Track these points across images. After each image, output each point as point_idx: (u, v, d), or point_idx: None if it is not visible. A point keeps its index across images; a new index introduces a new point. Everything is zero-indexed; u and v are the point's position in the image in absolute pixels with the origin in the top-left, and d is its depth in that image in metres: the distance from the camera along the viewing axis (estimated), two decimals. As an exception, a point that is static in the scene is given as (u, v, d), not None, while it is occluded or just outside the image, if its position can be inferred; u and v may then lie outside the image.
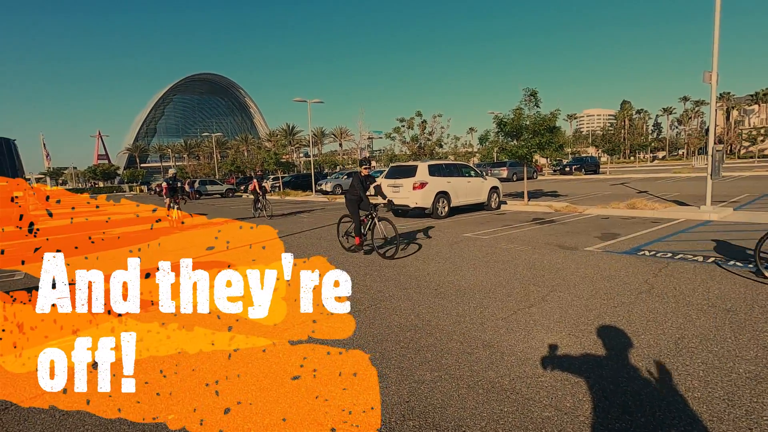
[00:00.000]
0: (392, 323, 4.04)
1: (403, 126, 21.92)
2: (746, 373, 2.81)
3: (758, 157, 49.97)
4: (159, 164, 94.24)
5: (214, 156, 51.16)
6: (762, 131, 53.29)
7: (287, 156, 58.17)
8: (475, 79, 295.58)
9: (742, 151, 57.48)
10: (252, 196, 15.39)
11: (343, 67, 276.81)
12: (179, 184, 12.65)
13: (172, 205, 12.43)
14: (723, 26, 10.67)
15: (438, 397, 2.68)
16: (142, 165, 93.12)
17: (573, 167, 40.03)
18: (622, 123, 76.86)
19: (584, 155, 54.31)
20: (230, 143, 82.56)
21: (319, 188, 27.91)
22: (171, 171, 13.30)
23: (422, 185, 12.02)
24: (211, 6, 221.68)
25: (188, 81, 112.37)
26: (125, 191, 66.13)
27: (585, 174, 38.29)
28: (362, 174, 7.56)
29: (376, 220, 7.42)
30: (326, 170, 55.81)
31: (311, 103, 26.68)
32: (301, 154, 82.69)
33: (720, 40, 10.73)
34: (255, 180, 15.10)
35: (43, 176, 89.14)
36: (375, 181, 7.81)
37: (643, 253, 6.63)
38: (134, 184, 72.15)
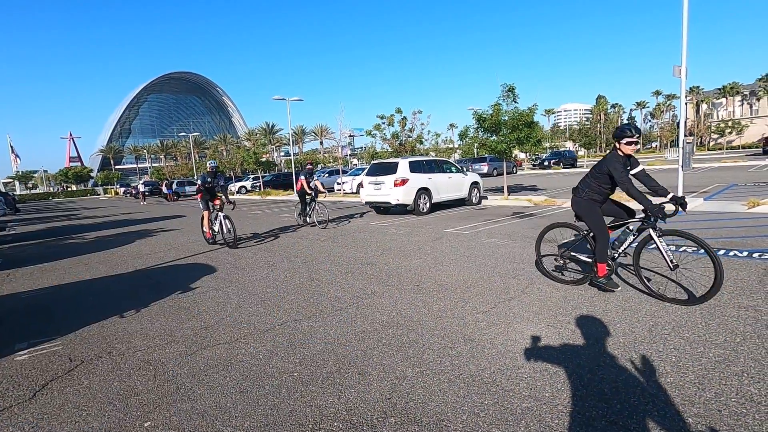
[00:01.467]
0: (374, 320, 4.03)
1: (384, 123, 21.89)
2: (715, 357, 2.91)
3: (726, 149, 51.84)
4: (135, 166, 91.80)
5: (192, 156, 50.10)
6: (729, 124, 55.31)
7: (267, 155, 57.46)
8: (454, 76, 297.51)
9: (711, 143, 59.60)
10: (299, 199, 11.66)
11: (323, 65, 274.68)
12: (218, 183, 9.11)
13: (213, 210, 9.10)
14: (691, 22, 11.00)
15: (419, 393, 2.69)
16: (116, 167, 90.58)
17: (551, 161, 40.75)
18: (598, 117, 78.54)
19: (562, 149, 55.33)
20: (208, 143, 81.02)
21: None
22: (209, 163, 9.28)
23: (403, 182, 12.04)
24: (185, 3, 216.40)
25: (163, 80, 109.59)
26: (99, 194, 64.27)
27: (563, 168, 39.01)
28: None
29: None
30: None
31: (290, 101, 26.38)
32: (282, 153, 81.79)
33: (688, 36, 11.05)
34: (302, 177, 11.36)
35: (11, 179, 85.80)
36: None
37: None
38: (109, 186, 70.15)
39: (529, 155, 44.34)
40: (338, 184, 24.21)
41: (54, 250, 10.00)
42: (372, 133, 22.27)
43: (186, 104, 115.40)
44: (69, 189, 71.57)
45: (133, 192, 42.42)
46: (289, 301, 4.81)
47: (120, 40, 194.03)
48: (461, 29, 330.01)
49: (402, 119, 21.88)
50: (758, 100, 71.93)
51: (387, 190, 12.27)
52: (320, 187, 11.54)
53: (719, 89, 76.68)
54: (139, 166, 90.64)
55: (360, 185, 13.49)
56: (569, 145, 62.57)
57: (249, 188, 33.67)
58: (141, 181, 39.39)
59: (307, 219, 11.58)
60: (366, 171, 13.71)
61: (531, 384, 2.72)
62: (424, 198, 12.47)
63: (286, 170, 50.25)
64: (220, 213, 8.81)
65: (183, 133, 57.96)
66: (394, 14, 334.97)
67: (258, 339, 3.75)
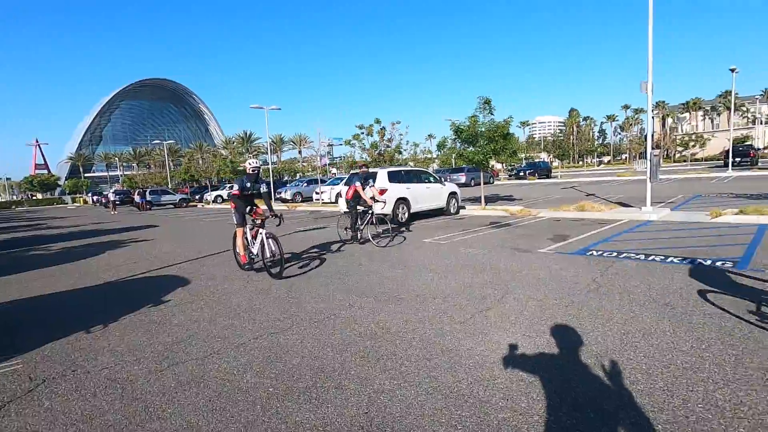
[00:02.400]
0: (353, 332, 3.99)
1: (363, 133, 22.00)
2: (683, 364, 3.00)
3: (690, 161, 54.23)
4: (105, 174, 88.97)
5: (167, 165, 48.95)
6: (693, 137, 58.03)
7: (244, 164, 56.53)
8: (433, 86, 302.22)
9: (677, 155, 62.23)
10: (347, 211, 9.55)
11: (302, 74, 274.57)
12: (260, 189, 6.85)
13: (253, 226, 6.83)
14: (657, 40, 11.54)
15: (397, 406, 2.67)
16: (86, 175, 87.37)
17: (527, 172, 41.72)
18: (571, 129, 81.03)
19: (537, 160, 56.74)
20: (184, 151, 79.33)
21: (278, 196, 27.37)
22: (250, 163, 6.88)
23: (382, 191, 12.05)
24: (160, 9, 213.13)
25: (137, 86, 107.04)
26: (67, 203, 61.86)
27: (538, 178, 39.98)
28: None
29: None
30: (286, 178, 54.83)
31: (268, 109, 26.21)
32: (260, 162, 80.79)
33: (654, 54, 11.59)
34: (357, 183, 9.04)
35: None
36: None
37: (591, 253, 6.97)
38: (78, 195, 67.63)
39: (506, 166, 45.26)
40: (317, 193, 24.08)
41: (16, 262, 9.53)
42: (351, 142, 22.36)
43: (161, 111, 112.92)
44: (34, 197, 68.62)
45: (104, 201, 41.01)
46: (265, 314, 4.71)
47: (91, 45, 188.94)
48: (439, 41, 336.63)
49: (381, 129, 22.07)
50: (719, 115, 75.72)
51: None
52: (378, 196, 9.49)
53: (683, 104, 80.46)
54: (110, 174, 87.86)
55: (338, 195, 13.44)
56: (544, 156, 64.24)
57: (225, 197, 33.06)
58: (112, 190, 38.13)
59: (359, 234, 9.19)
60: (345, 181, 13.70)
61: (507, 395, 2.74)
62: (403, 208, 12.52)
63: (264, 179, 49.55)
64: (261, 230, 6.59)
65: (157, 141, 56.61)
66: (372, 25, 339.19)
67: (232, 354, 3.65)
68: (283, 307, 4.93)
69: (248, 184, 6.78)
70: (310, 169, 64.52)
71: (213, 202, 32.38)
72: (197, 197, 37.65)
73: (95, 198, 51.82)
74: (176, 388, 3.08)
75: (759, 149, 46.06)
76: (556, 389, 2.76)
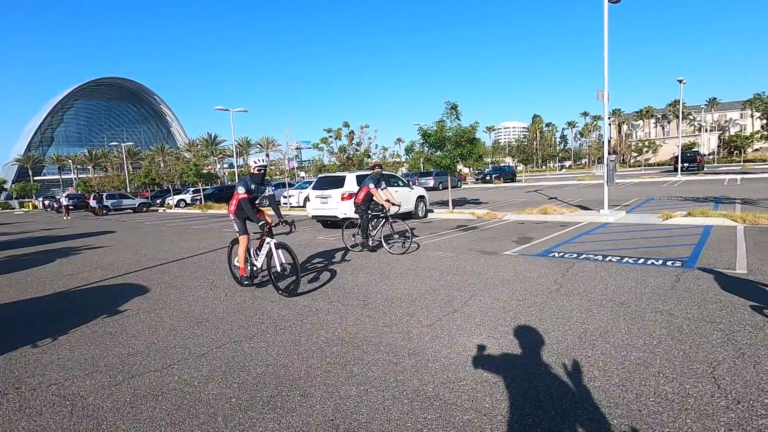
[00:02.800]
0: (318, 338, 3.94)
1: (331, 137, 21.90)
2: (636, 360, 3.15)
3: (644, 166, 57.32)
4: (58, 177, 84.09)
5: (125, 167, 46.84)
6: (646, 143, 61.44)
7: (209, 167, 55.14)
8: (401, 91, 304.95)
9: (632, 161, 65.67)
10: (358, 214, 8.61)
11: (269, 76, 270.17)
12: (266, 192, 5.98)
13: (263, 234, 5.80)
14: (612, 52, 12.15)
15: (364, 412, 2.65)
16: (36, 178, 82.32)
17: (493, 176, 42.80)
18: (534, 135, 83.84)
19: (503, 165, 58.35)
20: (144, 154, 76.24)
21: (244, 200, 26.71)
22: (256, 161, 5.89)
23: (350, 195, 12.02)
24: (118, 5, 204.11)
25: (92, 85, 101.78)
26: (14, 208, 57.97)
27: (504, 182, 41.08)
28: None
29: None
30: (253, 181, 53.62)
31: (234, 111, 25.61)
32: (225, 165, 78.87)
33: (610, 65, 12.19)
34: (370, 184, 8.30)
35: None
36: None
37: (553, 254, 7.22)
38: (26, 199, 63.52)
39: (473, 170, 46.26)
40: (285, 197, 23.71)
41: (-46, 273, 8.81)
42: (319, 146, 22.19)
43: (119, 112, 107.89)
44: (-26, 202, 63.84)
45: (56, 205, 38.71)
46: (229, 322, 4.58)
47: (41, 42, 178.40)
48: (408, 47, 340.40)
49: (350, 133, 22.03)
50: (669, 122, 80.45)
51: (334, 204, 12.20)
52: (393, 199, 8.51)
53: (637, 112, 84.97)
54: (63, 177, 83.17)
55: (306, 199, 13.30)
56: (509, 161, 66.11)
57: (189, 202, 31.99)
58: (64, 194, 36.04)
59: (370, 241, 8.41)
60: (313, 184, 13.58)
61: (472, 396, 2.78)
62: (372, 212, 12.53)
63: (229, 183, 48.41)
64: (269, 240, 5.66)
65: (115, 143, 54.07)
66: (341, 30, 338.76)
67: (193, 364, 3.52)
68: (248, 314, 4.81)
69: (253, 186, 5.75)
70: (278, 173, 63.51)
71: (176, 206, 31.23)
72: (158, 201, 36.22)
73: (46, 202, 48.82)
74: (132, 402, 2.94)
75: (704, 155, 49.30)
76: (519, 389, 2.83)
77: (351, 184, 12.25)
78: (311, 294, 5.54)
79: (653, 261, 6.34)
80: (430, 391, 2.87)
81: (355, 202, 8.73)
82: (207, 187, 32.53)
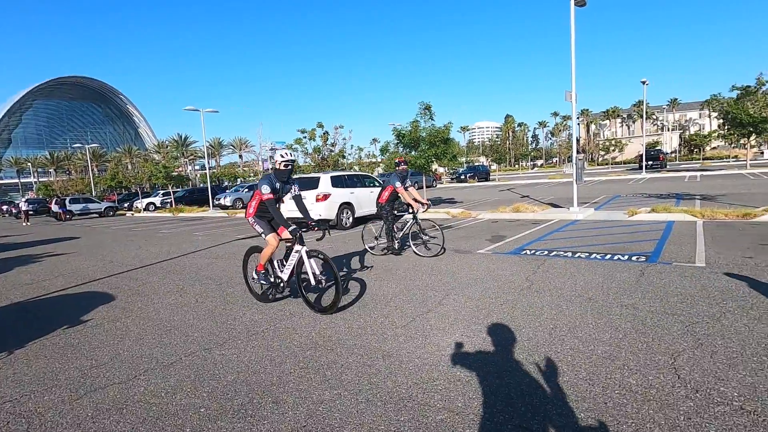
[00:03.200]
0: (292, 343, 3.89)
1: (305, 137, 21.67)
2: (603, 354, 3.25)
3: (611, 164, 59.37)
4: (16, 181, 79.98)
5: (90, 170, 44.94)
6: (613, 142, 63.70)
7: (180, 169, 53.67)
8: (377, 92, 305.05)
9: (600, 159, 67.91)
10: (381, 215, 7.97)
11: (241, 76, 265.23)
12: (291, 191, 5.13)
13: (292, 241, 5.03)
14: (580, 54, 12.50)
15: (336, 417, 2.63)
16: (-8, 182, 78.11)
17: (467, 175, 43.38)
18: (507, 135, 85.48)
19: (477, 164, 59.24)
20: (110, 156, 73.43)
21: (217, 203, 26.15)
22: (283, 155, 4.90)
23: (325, 197, 11.95)
24: (81, 3, 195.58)
25: (52, 85, 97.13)
26: (-31, 214, 54.63)
27: (478, 181, 41.72)
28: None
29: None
30: (225, 183, 52.56)
31: (205, 112, 25.00)
32: (197, 167, 76.91)
33: (577, 67, 12.54)
34: (397, 183, 7.52)
35: None
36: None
37: (525, 252, 7.37)
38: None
39: (448, 169, 46.78)
40: (259, 199, 23.29)
41: None
42: (293, 147, 21.90)
43: (82, 112, 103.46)
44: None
45: (14, 211, 36.77)
46: (199, 329, 4.46)
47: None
48: (382, 47, 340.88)
49: (324, 134, 21.88)
50: (634, 122, 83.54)
51: (309, 205, 12.07)
52: (418, 197, 7.71)
53: (604, 112, 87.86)
54: (23, 180, 79.18)
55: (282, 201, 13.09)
56: (483, 160, 67.20)
57: (158, 205, 31.01)
58: (24, 198, 34.28)
59: (395, 243, 7.81)
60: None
61: (445, 396, 2.80)
62: (347, 213, 12.49)
63: (201, 185, 47.30)
64: (300, 248, 4.85)
65: (79, 144, 51.86)
66: (314, 30, 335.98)
67: (161, 374, 3.40)
68: (219, 320, 4.69)
69: (278, 185, 4.88)
70: (251, 174, 62.39)
71: (144, 209, 30.23)
72: (126, 205, 34.98)
73: (4, 208, 46.26)
74: (94, 417, 2.81)
75: (667, 153, 51.49)
76: (491, 386, 2.87)
77: (326, 185, 12.17)
78: (283, 300, 5.46)
79: (619, 256, 6.56)
80: (404, 392, 2.87)
81: (378, 203, 7.97)
82: (178, 189, 31.60)
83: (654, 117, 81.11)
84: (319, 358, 3.51)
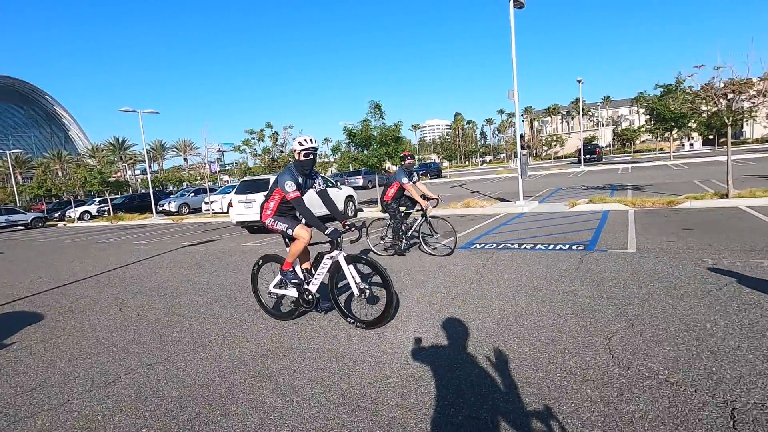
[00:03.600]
0: (242, 352, 3.76)
1: (253, 138, 21.03)
2: (545, 340, 3.42)
3: (554, 158, 62.70)
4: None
5: (12, 178, 40.92)
6: (554, 138, 67.35)
7: (118, 174, 50.35)
8: (328, 91, 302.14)
9: (543, 154, 71.60)
10: (389, 213, 7.48)
11: (184, 76, 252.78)
12: (317, 185, 4.45)
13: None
14: (522, 54, 13.06)
15: (288, 423, 2.57)
16: None
17: (420, 173, 44.04)
18: (456, 132, 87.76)
19: (429, 161, 60.35)
20: (37, 162, 67.33)
21: (160, 209, 24.77)
22: (302, 143, 4.08)
23: (276, 199, 11.67)
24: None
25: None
26: None
27: (430, 178, 42.51)
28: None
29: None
30: (170, 188, 49.90)
31: (143, 113, 23.56)
32: (138, 171, 72.49)
33: (519, 66, 13.10)
34: (403, 179, 7.11)
35: None
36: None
37: (475, 246, 7.60)
38: None
39: (401, 167, 47.34)
40: (206, 203, 22.35)
41: None
42: (241, 148, 21.20)
43: (2, 115, 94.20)
44: None
45: None
46: (141, 344, 4.20)
47: None
48: (330, 46, 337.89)
49: (273, 134, 21.33)
50: (572, 118, 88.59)
51: (259, 208, 11.73)
52: (428, 193, 7.36)
53: (546, 109, 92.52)
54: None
55: (229, 204, 12.65)
56: (434, 158, 68.56)
57: (95, 213, 28.87)
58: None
59: (402, 243, 7.42)
60: (235, 189, 12.95)
61: (398, 392, 2.82)
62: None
63: (143, 190, 44.79)
64: (336, 253, 4.17)
65: (-1, 150, 47.11)
66: (259, 27, 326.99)
67: (96, 396, 3.17)
68: (162, 334, 4.45)
69: (300, 179, 4.18)
70: (198, 178, 59.68)
71: (79, 219, 28.02)
72: (57, 215, 32.24)
73: None
74: (19, 449, 2.57)
75: (603, 147, 55.18)
76: (442, 380, 2.93)
77: (276, 186, 11.89)
78: (236, 305, 5.28)
79: (561, 246, 6.94)
80: (357, 393, 2.87)
81: (383, 201, 7.46)
82: (116, 196, 29.57)
83: (590, 113, 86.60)
84: (270, 366, 3.42)
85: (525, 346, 3.34)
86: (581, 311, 3.97)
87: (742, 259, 5.25)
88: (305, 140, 4.11)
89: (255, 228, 12.94)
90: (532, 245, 7.21)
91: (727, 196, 10.15)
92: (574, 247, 6.80)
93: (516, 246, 7.28)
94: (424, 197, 7.21)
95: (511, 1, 12.64)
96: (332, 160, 55.17)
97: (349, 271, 4.05)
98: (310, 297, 4.31)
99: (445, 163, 54.08)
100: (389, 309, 3.92)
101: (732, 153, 10.72)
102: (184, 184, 54.04)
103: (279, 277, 4.52)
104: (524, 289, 4.84)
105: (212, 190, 24.51)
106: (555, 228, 8.83)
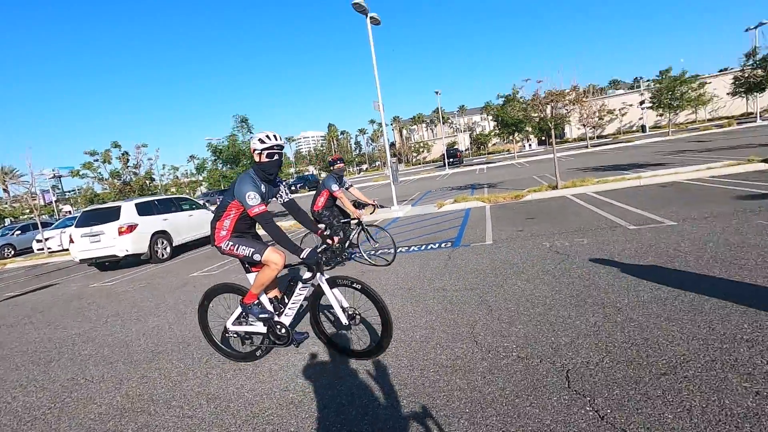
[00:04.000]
0: (87, 417, 3.15)
1: (97, 161, 18.14)
2: (420, 338, 3.60)
3: (423, 164, 67.77)
4: None
5: None
6: (421, 144, 72.97)
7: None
8: (192, 107, 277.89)
9: (413, 160, 76.86)
10: (324, 223, 6.60)
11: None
12: (282, 195, 3.71)
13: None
14: (386, 66, 13.78)
15: (148, 492, 2.22)
16: None
17: (298, 185, 43.42)
18: (331, 143, 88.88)
19: (306, 173, 59.87)
20: None
21: (-28, 255, 19.72)
22: (264, 140, 3.32)
23: (131, 228, 10.24)
24: None
25: None
26: None
27: (309, 190, 42.15)
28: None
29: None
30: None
31: (-67, 136, 18.51)
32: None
33: (382, 78, 13.80)
34: (332, 186, 6.55)
35: None
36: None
37: (354, 254, 7.70)
38: None
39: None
40: (38, 241, 18.51)
41: None
42: (82, 173, 18.13)
43: None
44: None
45: None
46: (-64, 437, 3.22)
47: None
48: (189, 58, 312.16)
49: (123, 154, 18.72)
50: (435, 126, 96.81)
51: (111, 241, 10.16)
52: (362, 198, 6.99)
53: (412, 118, 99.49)
54: None
55: (71, 239, 10.69)
56: (312, 169, 68.26)
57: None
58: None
59: (341, 255, 6.90)
60: (76, 222, 11.00)
61: (278, 423, 2.66)
62: (163, 242, 10.98)
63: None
64: (319, 279, 3.47)
65: None
66: (107, 36, 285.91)
67: None
68: (-29, 417, 3.48)
69: (264, 188, 3.45)
70: (27, 211, 49.16)
71: None
72: None
73: None
74: None
75: (463, 151, 61.63)
76: (323, 399, 2.86)
77: (129, 214, 10.43)
78: (80, 360, 4.42)
79: (432, 245, 7.46)
80: (232, 434, 2.62)
81: (313, 211, 6.67)
82: None
83: (450, 121, 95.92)
84: (126, 427, 2.93)
85: (401, 347, 3.47)
86: (450, 305, 4.29)
87: (570, 239, 6.31)
88: (267, 137, 3.37)
89: (107, 264, 11.17)
90: (407, 247, 7.61)
91: (556, 187, 12.15)
92: (443, 245, 7.37)
93: (391, 251, 7.58)
94: (358, 203, 6.90)
95: (368, 18, 13.30)
96: (201, 179, 50.81)
97: (334, 296, 3.44)
98: (283, 331, 3.57)
99: (323, 175, 54.30)
100: (386, 335, 3.28)
101: (557, 151, 12.90)
102: (6, 220, 44.11)
103: (239, 310, 3.70)
104: (400, 291, 5.05)
105: (47, 225, 20.43)
106: (426, 229, 9.47)
